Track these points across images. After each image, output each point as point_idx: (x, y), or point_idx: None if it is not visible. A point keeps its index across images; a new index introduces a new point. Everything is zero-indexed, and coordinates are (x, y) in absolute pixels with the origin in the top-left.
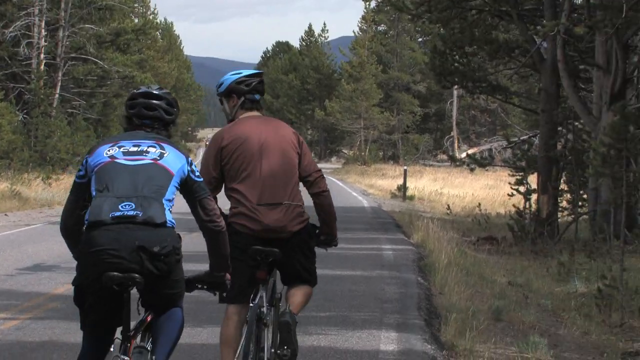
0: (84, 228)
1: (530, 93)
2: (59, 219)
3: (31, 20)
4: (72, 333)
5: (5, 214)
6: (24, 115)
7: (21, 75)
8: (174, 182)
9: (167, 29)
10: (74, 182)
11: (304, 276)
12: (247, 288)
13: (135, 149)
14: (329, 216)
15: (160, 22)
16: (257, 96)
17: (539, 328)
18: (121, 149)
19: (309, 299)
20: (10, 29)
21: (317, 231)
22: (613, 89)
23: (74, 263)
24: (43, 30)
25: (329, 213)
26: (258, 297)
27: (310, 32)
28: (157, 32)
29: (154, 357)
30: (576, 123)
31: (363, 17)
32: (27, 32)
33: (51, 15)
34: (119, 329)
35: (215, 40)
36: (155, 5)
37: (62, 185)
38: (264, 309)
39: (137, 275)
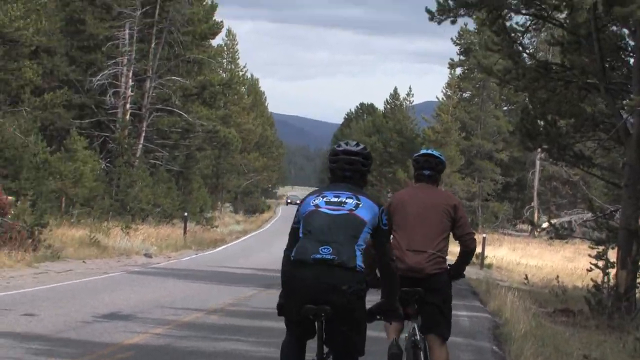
0: (291, 263)
1: (614, 166)
2: (136, 269)
3: (119, 69)
4: None
5: (84, 261)
6: (107, 164)
7: (106, 124)
8: (367, 229)
9: (252, 85)
10: (292, 227)
11: (437, 319)
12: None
13: (335, 199)
14: (461, 258)
15: (247, 77)
16: (425, 172)
17: None
18: (324, 199)
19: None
20: (98, 77)
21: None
22: None
23: (149, 313)
24: (130, 80)
25: (461, 257)
26: (410, 328)
27: (395, 95)
28: (243, 88)
29: None
30: None
31: (448, 84)
32: (114, 82)
33: (139, 66)
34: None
35: (300, 99)
36: (246, 64)
37: (141, 235)
38: (417, 337)
39: (328, 307)
